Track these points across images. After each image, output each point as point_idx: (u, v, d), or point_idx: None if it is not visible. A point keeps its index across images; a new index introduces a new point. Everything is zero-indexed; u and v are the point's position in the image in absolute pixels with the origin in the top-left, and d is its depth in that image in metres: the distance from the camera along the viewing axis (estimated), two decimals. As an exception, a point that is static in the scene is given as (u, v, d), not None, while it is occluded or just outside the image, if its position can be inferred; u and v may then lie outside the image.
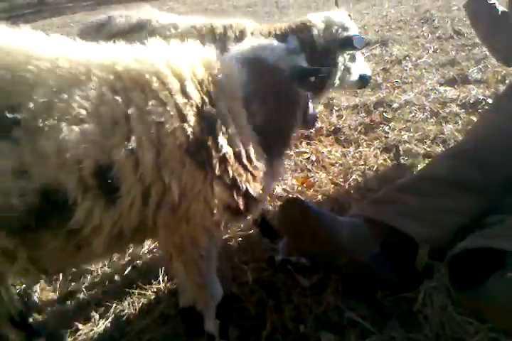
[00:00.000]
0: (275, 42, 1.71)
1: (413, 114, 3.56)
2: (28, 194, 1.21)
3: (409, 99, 3.85)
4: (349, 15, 2.70)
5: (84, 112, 1.25)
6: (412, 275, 1.82)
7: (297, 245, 2.00)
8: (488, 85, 3.91)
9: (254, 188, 1.50)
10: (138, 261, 2.33)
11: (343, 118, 3.71)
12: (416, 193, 1.92)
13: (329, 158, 3.12)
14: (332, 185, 2.70)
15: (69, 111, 1.24)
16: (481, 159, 1.99)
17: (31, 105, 1.22)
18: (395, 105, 3.79)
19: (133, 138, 1.29)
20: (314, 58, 2.17)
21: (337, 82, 2.58)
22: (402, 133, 3.29)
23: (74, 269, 2.24)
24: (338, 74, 2.54)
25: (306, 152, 3.24)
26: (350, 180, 2.77)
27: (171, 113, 1.34)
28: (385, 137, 3.29)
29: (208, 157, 1.38)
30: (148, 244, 2.41)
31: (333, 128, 3.55)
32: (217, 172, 1.39)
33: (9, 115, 1.19)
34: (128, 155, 1.28)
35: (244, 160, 1.45)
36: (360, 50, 2.56)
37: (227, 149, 1.40)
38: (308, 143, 3.37)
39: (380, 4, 10.97)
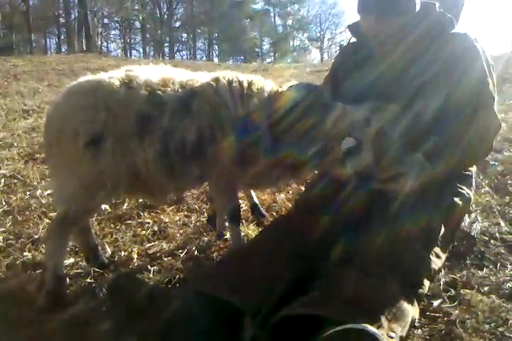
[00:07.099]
0: None
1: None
2: None
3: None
4: None
5: None
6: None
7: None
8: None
9: None
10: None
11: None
12: (240, 264, 2.04)
13: (171, 228, 3.16)
14: (169, 257, 2.73)
15: None
16: (294, 230, 2.21)
17: None
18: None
19: None
20: None
21: None
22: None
23: None
24: None
25: (148, 222, 3.24)
26: (190, 249, 2.82)
27: None
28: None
29: None
30: None
31: (175, 198, 3.62)
32: None
33: None
34: None
35: None
36: None
37: None
38: (150, 213, 3.39)
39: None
